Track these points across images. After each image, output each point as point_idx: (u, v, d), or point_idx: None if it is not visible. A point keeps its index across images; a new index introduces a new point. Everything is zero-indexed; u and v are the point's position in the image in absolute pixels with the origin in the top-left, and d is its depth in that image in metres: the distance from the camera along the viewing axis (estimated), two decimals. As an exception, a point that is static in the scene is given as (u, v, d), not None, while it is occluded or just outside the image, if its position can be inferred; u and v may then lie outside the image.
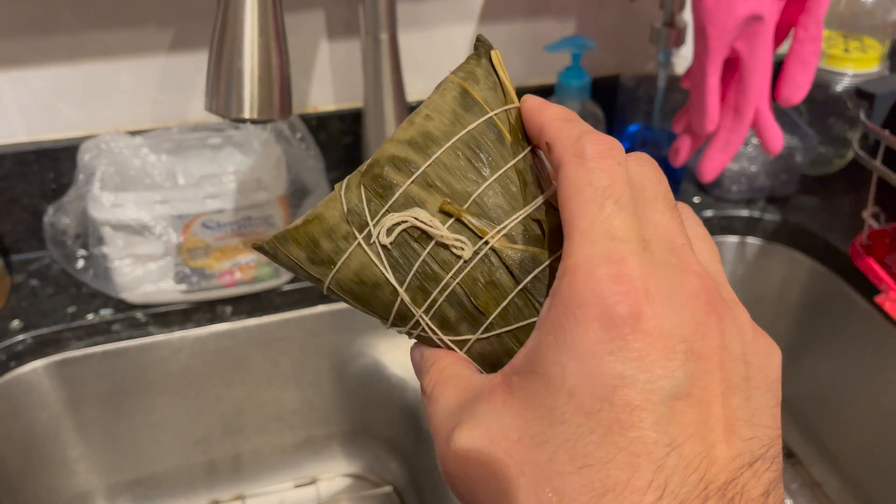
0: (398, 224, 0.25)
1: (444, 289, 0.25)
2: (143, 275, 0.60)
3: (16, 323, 0.62)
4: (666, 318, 0.20)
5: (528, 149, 0.26)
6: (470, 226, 0.24)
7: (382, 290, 0.25)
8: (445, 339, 0.25)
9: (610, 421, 0.20)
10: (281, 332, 0.67)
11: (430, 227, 0.24)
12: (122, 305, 0.63)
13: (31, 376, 0.62)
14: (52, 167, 0.65)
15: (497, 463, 0.21)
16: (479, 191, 0.25)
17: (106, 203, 0.57)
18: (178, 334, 0.64)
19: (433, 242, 0.25)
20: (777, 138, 0.62)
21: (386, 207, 0.25)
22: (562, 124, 0.24)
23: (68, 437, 0.66)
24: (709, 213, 0.74)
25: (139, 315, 0.63)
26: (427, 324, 0.25)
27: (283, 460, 0.75)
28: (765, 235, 0.75)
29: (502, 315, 0.25)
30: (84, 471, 0.68)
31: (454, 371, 0.25)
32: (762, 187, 0.75)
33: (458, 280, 0.25)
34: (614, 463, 0.19)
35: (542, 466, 0.20)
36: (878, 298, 0.61)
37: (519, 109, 0.26)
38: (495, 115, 0.26)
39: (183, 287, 0.62)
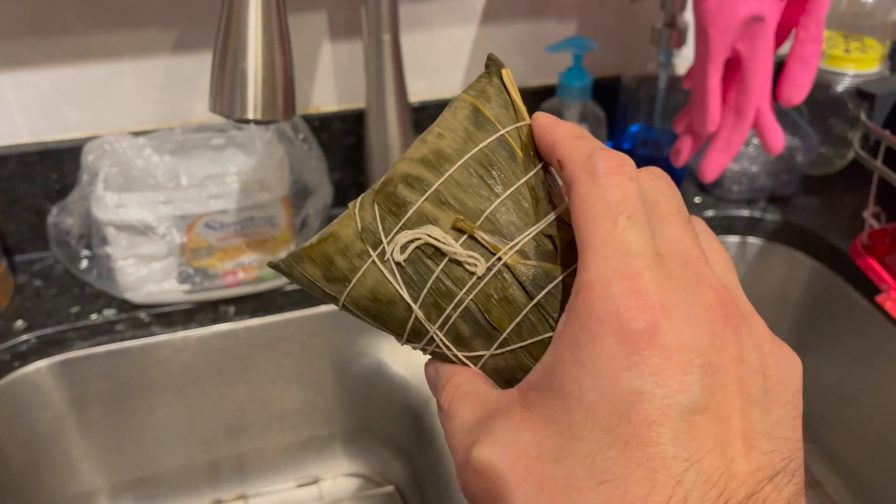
0: (411, 241, 0.25)
1: (457, 305, 0.25)
2: (146, 275, 0.60)
3: (20, 323, 0.62)
4: (682, 332, 0.20)
5: (540, 166, 0.26)
6: (483, 242, 0.25)
7: (397, 306, 0.25)
8: (460, 354, 0.26)
9: (628, 436, 0.20)
10: (283, 332, 0.67)
11: (443, 243, 0.25)
12: (125, 305, 0.63)
13: (34, 376, 0.62)
14: (55, 168, 0.65)
15: (516, 479, 0.21)
16: (492, 207, 0.25)
17: (109, 203, 0.57)
18: (181, 334, 0.65)
19: (446, 259, 0.25)
20: (778, 138, 0.62)
21: (399, 225, 0.25)
22: (573, 141, 0.24)
23: (72, 436, 0.66)
24: (710, 213, 0.75)
25: (142, 315, 0.63)
26: (441, 340, 0.26)
27: (285, 460, 0.75)
28: (766, 235, 0.76)
29: (516, 331, 0.25)
30: (87, 470, 0.68)
31: (470, 387, 0.25)
32: (763, 187, 0.75)
33: (471, 296, 0.25)
34: (633, 478, 0.19)
35: (561, 482, 0.20)
36: (879, 298, 0.61)
37: (530, 127, 0.26)
38: (507, 132, 0.26)
39: (186, 287, 0.62)
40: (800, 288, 0.75)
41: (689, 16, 0.68)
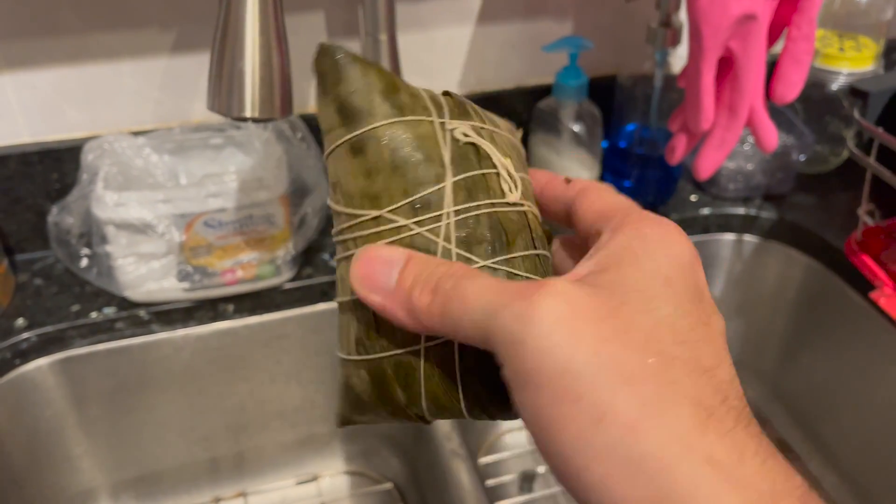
0: (477, 133, 0.26)
1: (482, 205, 0.25)
2: (146, 273, 0.61)
3: (20, 321, 0.62)
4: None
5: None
6: (519, 186, 0.27)
7: (429, 167, 0.25)
8: (455, 250, 0.24)
9: (699, 313, 0.22)
10: (282, 329, 0.68)
11: (497, 156, 0.26)
12: (125, 304, 0.64)
13: (35, 374, 0.63)
14: (55, 167, 0.66)
15: (591, 329, 0.20)
16: (525, 177, 0.28)
17: (109, 202, 0.58)
18: (180, 332, 0.65)
19: (493, 170, 0.26)
20: (772, 136, 0.63)
21: (468, 123, 0.27)
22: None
23: (72, 434, 0.67)
24: (706, 211, 0.75)
25: (142, 313, 0.63)
26: (449, 223, 0.25)
27: (284, 457, 0.75)
28: (761, 233, 0.76)
29: (524, 257, 0.26)
30: (88, 468, 0.69)
31: (475, 271, 0.23)
32: (759, 185, 0.75)
33: (497, 208, 0.25)
34: (704, 351, 0.21)
35: (642, 337, 0.20)
36: (873, 294, 0.62)
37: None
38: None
39: (185, 285, 0.62)
40: (795, 285, 0.75)
41: (683, 15, 0.68)
